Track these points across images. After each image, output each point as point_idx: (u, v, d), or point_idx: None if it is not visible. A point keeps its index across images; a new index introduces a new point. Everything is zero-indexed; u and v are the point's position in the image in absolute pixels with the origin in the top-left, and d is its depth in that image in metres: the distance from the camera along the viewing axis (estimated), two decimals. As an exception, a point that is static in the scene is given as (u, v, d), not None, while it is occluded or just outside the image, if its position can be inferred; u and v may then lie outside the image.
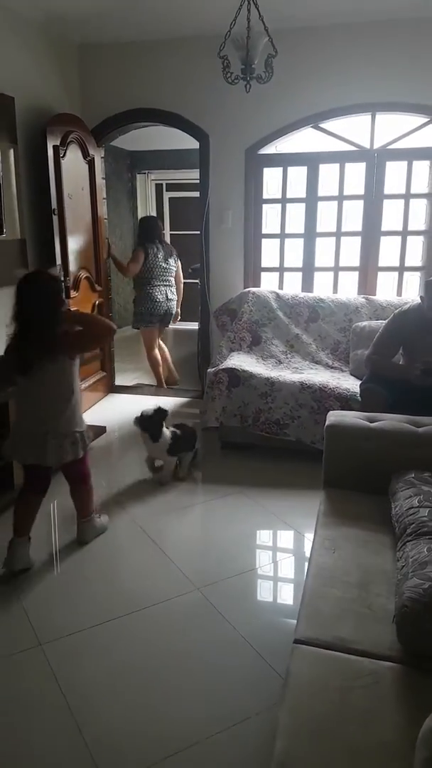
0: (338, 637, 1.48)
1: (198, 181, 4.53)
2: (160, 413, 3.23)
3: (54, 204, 3.87)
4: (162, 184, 8.25)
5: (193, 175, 7.48)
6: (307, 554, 2.60)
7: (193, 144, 4.52)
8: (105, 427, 4.01)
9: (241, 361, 3.81)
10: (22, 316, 2.34)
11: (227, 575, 2.45)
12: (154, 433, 3.20)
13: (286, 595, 2.48)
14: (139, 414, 3.23)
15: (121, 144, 6.94)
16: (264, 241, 4.54)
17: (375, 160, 4.17)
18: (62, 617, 2.19)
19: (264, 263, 4.58)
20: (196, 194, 4.64)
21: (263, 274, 4.59)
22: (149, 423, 3.20)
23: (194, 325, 6.10)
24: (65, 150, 3.95)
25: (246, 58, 2.62)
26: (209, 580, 2.40)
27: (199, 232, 4.56)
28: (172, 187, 8.20)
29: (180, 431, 3.33)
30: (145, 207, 8.09)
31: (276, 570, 2.60)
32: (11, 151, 3.54)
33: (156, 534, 2.77)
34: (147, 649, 2.04)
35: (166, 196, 8.28)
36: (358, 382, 3.44)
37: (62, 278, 3.99)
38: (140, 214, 7.85)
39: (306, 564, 2.53)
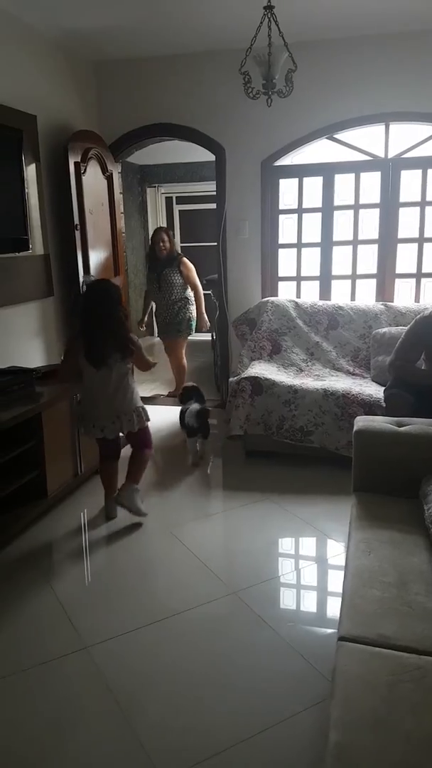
0: (382, 635, 1.51)
1: (209, 193, 4.63)
2: (205, 413, 3.78)
3: (76, 219, 3.95)
4: (172, 197, 8.37)
5: (203, 188, 7.63)
6: (338, 558, 2.67)
7: (203, 157, 4.60)
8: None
9: (262, 369, 3.85)
10: (94, 317, 2.76)
11: (262, 579, 2.49)
12: (205, 433, 3.79)
13: (322, 598, 2.51)
14: (187, 417, 3.71)
15: (132, 158, 7.05)
16: (281, 250, 4.60)
17: (390, 169, 4.23)
18: (104, 621, 2.24)
19: (281, 272, 4.64)
20: (207, 206, 4.76)
21: (281, 284, 4.65)
22: (200, 424, 3.72)
23: (207, 336, 6.18)
24: (86, 166, 4.04)
25: (267, 74, 2.68)
26: (245, 584, 2.44)
27: (214, 244, 4.63)
28: (182, 200, 8.32)
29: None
30: (156, 220, 8.20)
31: (309, 574, 2.63)
32: (35, 168, 3.64)
33: (188, 540, 2.82)
34: (190, 650, 2.08)
35: (177, 208, 8.39)
36: (381, 388, 3.48)
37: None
38: (151, 227, 7.97)
39: (339, 567, 2.61)
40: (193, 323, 5.08)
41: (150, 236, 4.87)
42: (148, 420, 3.00)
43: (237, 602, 2.33)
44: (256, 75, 2.77)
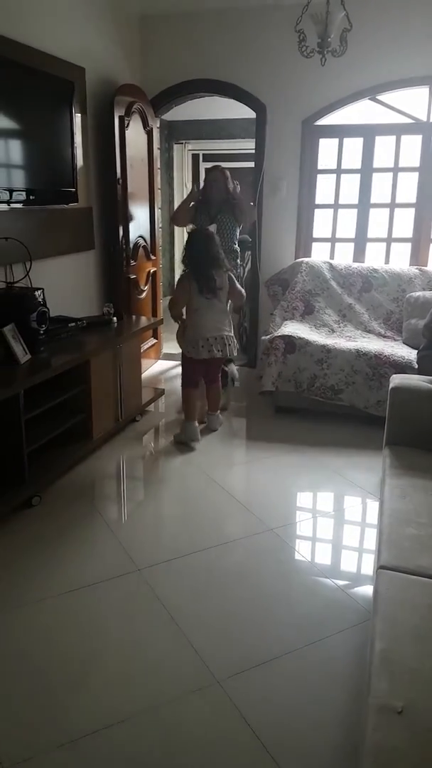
0: (419, 566, 1.66)
1: (237, 152, 4.60)
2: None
3: (118, 173, 4.02)
4: (198, 155, 8.29)
5: (231, 146, 7.55)
6: (367, 503, 2.83)
7: (233, 114, 4.57)
8: (163, 389, 4.21)
9: (295, 329, 3.95)
10: (207, 257, 3.31)
11: (296, 519, 2.70)
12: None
13: (353, 536, 2.73)
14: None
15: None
16: (317, 211, 4.63)
17: (431, 132, 4.22)
18: (153, 547, 2.46)
19: (316, 233, 4.68)
20: (235, 164, 4.69)
21: (315, 245, 4.70)
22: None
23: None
24: (129, 120, 4.08)
25: (324, 33, 2.70)
26: (281, 523, 2.64)
27: (251, 204, 4.65)
28: (208, 157, 8.24)
29: None
30: (181, 177, 8.16)
31: (339, 515, 2.83)
32: (81, 121, 3.69)
33: (225, 483, 3.01)
34: (234, 576, 2.29)
35: (203, 166, 8.33)
36: (413, 351, 3.57)
37: (123, 246, 4.18)
38: (176, 185, 7.93)
39: (368, 512, 2.79)
40: None
41: (204, 178, 4.22)
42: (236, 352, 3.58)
43: (274, 537, 2.53)
44: (312, 33, 2.79)
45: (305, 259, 4.45)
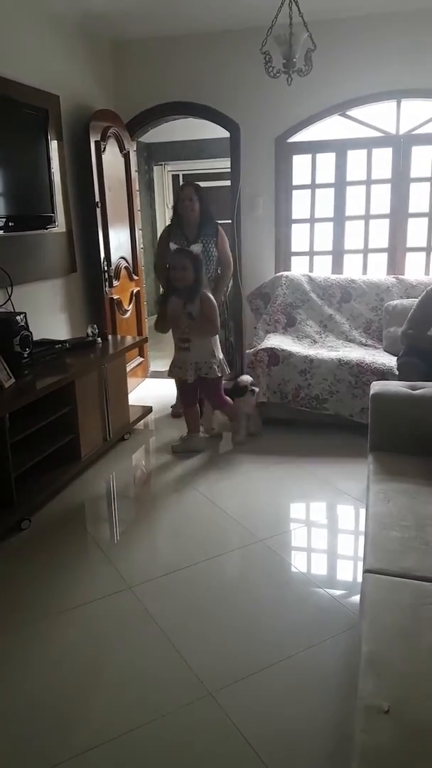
0: (403, 567, 1.69)
1: (216, 171, 4.69)
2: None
3: (97, 197, 4.08)
4: (179, 175, 8.41)
5: (210, 165, 7.67)
6: (356, 510, 2.87)
7: (211, 134, 4.66)
8: (151, 407, 4.23)
9: (278, 341, 4.00)
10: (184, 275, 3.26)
11: (284, 529, 2.72)
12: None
13: (341, 544, 2.75)
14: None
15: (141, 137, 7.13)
16: (294, 225, 4.72)
17: (401, 145, 4.32)
18: (145, 565, 2.47)
19: (294, 247, 4.76)
20: (214, 183, 4.77)
21: (294, 258, 4.77)
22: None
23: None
24: (105, 145, 4.16)
25: (288, 53, 2.79)
26: (270, 533, 2.66)
27: (225, 221, 4.71)
28: (188, 177, 8.35)
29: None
30: (162, 198, 8.27)
31: (327, 523, 2.87)
32: (57, 147, 3.76)
33: (214, 496, 3.03)
34: (223, 588, 2.31)
35: (182, 187, 8.43)
36: (393, 358, 3.63)
37: (105, 268, 4.23)
38: (157, 206, 8.03)
39: (355, 518, 2.81)
40: None
41: (173, 202, 4.20)
42: (222, 374, 3.51)
43: (264, 548, 2.55)
44: (277, 54, 2.87)
45: (285, 273, 4.52)
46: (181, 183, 8.28)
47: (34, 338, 3.18)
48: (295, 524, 2.84)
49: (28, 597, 2.26)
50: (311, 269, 4.75)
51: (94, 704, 1.77)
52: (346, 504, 2.97)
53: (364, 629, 1.47)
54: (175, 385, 3.89)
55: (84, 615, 2.16)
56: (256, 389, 3.68)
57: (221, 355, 3.52)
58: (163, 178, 8.33)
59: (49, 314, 3.74)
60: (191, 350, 3.37)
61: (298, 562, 2.48)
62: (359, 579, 2.32)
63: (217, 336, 3.49)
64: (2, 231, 3.16)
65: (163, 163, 8.20)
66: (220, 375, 3.46)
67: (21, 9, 3.39)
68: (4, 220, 3.12)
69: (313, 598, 2.24)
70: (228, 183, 4.80)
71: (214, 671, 1.86)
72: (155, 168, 8.18)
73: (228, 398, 3.59)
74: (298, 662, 1.90)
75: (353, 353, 3.86)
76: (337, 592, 2.26)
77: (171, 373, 3.56)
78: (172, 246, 3.37)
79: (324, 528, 2.84)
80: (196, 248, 3.33)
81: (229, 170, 4.74)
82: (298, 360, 3.76)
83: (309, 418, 3.81)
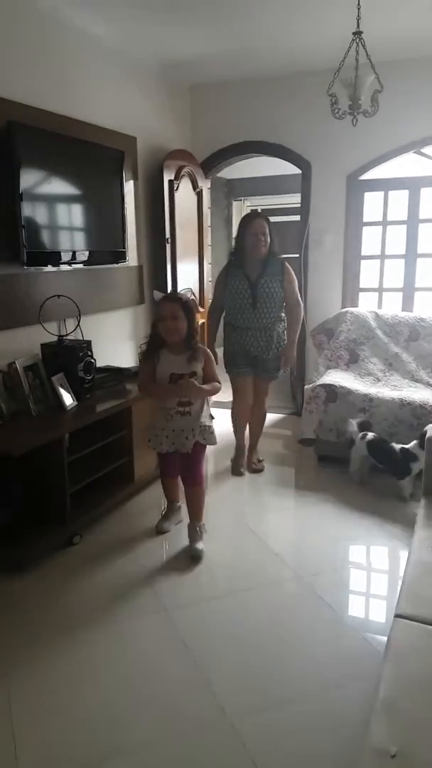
0: (436, 616, 1.63)
1: (292, 206, 4.76)
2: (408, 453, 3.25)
3: (168, 233, 4.27)
4: (257, 210, 8.60)
5: (286, 200, 7.78)
6: (400, 555, 2.76)
7: (287, 170, 4.77)
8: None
9: (338, 377, 3.97)
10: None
11: (327, 568, 2.66)
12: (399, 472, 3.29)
13: (381, 588, 2.68)
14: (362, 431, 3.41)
15: (220, 174, 7.38)
16: (363, 262, 4.70)
17: None
18: (183, 590, 2.51)
19: (363, 284, 4.73)
20: (290, 218, 4.84)
21: (362, 295, 4.75)
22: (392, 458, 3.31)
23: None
24: (178, 183, 4.36)
25: (354, 95, 2.85)
26: (312, 572, 2.63)
27: (295, 255, 4.78)
28: (266, 212, 8.52)
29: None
30: (242, 232, 8.44)
31: (371, 567, 2.82)
32: (133, 185, 3.99)
33: (260, 530, 3.03)
34: (259, 620, 2.31)
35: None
36: (458, 399, 3.50)
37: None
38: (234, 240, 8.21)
39: (400, 561, 2.72)
40: None
41: (235, 235, 3.56)
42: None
43: (304, 585, 2.53)
44: (343, 96, 2.94)
45: (350, 309, 4.49)
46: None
47: (98, 365, 3.35)
48: (337, 564, 2.75)
49: (67, 608, 2.37)
50: (380, 306, 4.70)
51: (120, 717, 1.81)
52: (395, 548, 2.86)
53: (385, 673, 1.43)
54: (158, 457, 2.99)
55: (116, 629, 2.24)
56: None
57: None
58: (242, 212, 8.54)
59: (114, 343, 3.91)
60: (193, 415, 2.71)
61: (335, 602, 2.42)
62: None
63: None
64: (83, 265, 3.41)
65: (242, 198, 8.44)
66: (211, 443, 2.80)
67: (103, 58, 3.66)
68: (86, 254, 3.36)
69: (346, 640, 2.19)
70: (296, 218, 4.88)
71: (238, 702, 1.87)
72: (234, 203, 8.43)
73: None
74: (321, 701, 1.88)
75: (417, 394, 3.76)
76: (371, 637, 2.19)
77: (153, 444, 2.79)
78: (157, 295, 2.73)
79: (366, 570, 2.78)
80: (185, 292, 2.77)
81: (298, 205, 4.82)
82: (356, 398, 3.70)
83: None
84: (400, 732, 1.23)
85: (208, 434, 2.76)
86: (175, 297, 2.76)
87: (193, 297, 2.70)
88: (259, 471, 3.79)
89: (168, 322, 2.62)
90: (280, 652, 2.12)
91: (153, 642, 2.18)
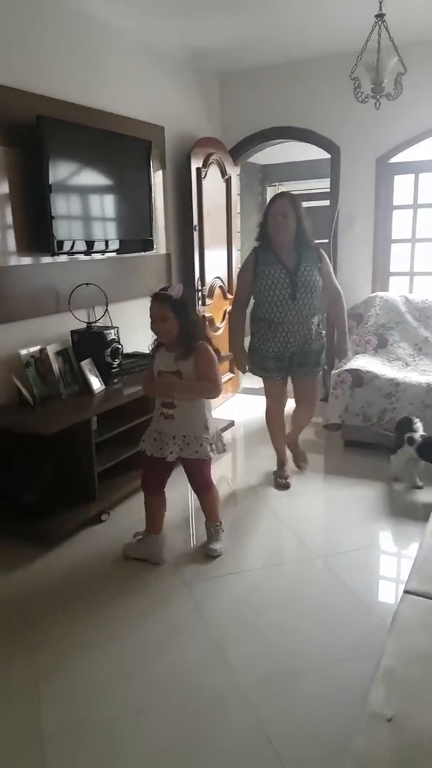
0: (442, 593, 1.66)
1: (325, 191, 4.74)
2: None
3: (195, 221, 4.32)
4: (284, 191, 8.53)
5: (320, 185, 7.72)
6: (416, 538, 2.79)
7: (321, 154, 4.76)
8: (233, 421, 4.36)
9: (365, 362, 3.97)
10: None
11: (346, 549, 2.72)
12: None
13: (397, 568, 2.72)
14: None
15: (254, 159, 7.36)
16: (393, 246, 4.66)
17: None
18: (205, 565, 2.60)
19: (393, 268, 4.69)
20: (323, 203, 4.82)
21: (392, 279, 4.71)
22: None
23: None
24: (206, 171, 4.40)
25: (376, 79, 2.84)
26: (331, 551, 2.70)
27: (325, 241, 4.77)
28: (300, 197, 8.45)
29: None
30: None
31: (396, 547, 2.87)
32: (161, 175, 4.05)
33: (283, 511, 3.10)
34: (277, 595, 2.41)
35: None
36: None
37: (199, 287, 4.45)
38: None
39: (416, 543, 2.74)
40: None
41: (261, 220, 3.15)
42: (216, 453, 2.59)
43: (323, 566, 2.60)
44: (366, 80, 2.93)
45: (380, 293, 4.47)
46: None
47: (125, 351, 3.45)
48: (357, 545, 2.78)
49: (94, 581, 2.50)
50: (411, 290, 4.65)
51: (137, 689, 1.93)
52: (418, 531, 2.88)
53: (388, 645, 1.48)
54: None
55: (138, 603, 2.35)
56: None
57: (216, 427, 2.62)
58: (278, 198, 8.52)
59: (141, 329, 3.98)
60: (176, 419, 2.51)
61: (353, 582, 2.47)
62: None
63: (208, 401, 2.58)
64: (111, 254, 3.51)
65: (276, 183, 8.40)
66: (211, 455, 2.56)
67: (130, 50, 3.72)
68: (115, 242, 3.46)
69: (361, 617, 2.25)
70: (326, 203, 4.86)
71: (253, 672, 1.96)
72: (269, 189, 8.41)
73: (213, 483, 2.71)
74: (331, 674, 1.95)
75: (445, 378, 3.73)
76: (386, 616, 2.22)
77: (143, 446, 2.63)
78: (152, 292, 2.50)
79: (387, 552, 2.81)
80: (176, 289, 2.46)
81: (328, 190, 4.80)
82: (383, 383, 3.71)
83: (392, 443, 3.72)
84: (397, 699, 1.29)
85: (197, 447, 2.49)
86: (163, 297, 2.44)
87: (183, 290, 2.49)
88: (300, 468, 3.55)
89: (156, 324, 2.46)
90: (296, 626, 2.20)
91: (173, 613, 2.29)
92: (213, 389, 2.49)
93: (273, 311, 3.09)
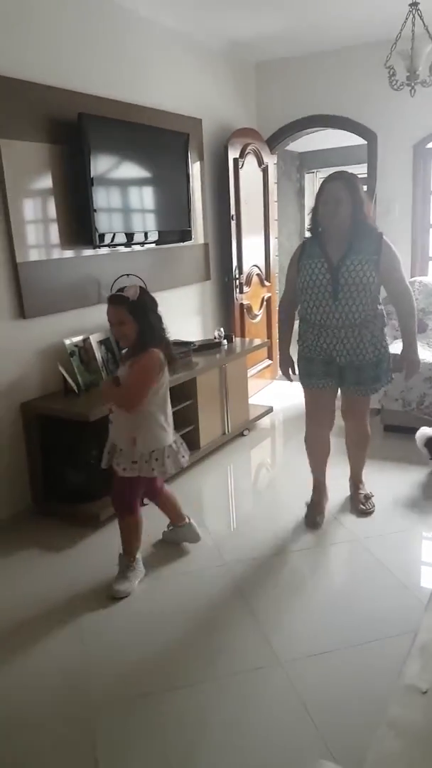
0: None
1: (363, 176, 4.71)
2: None
3: (232, 210, 4.38)
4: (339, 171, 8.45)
5: (358, 170, 7.63)
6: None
7: (358, 140, 4.73)
8: (272, 407, 4.42)
9: (404, 348, 3.95)
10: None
11: (387, 531, 2.77)
12: None
13: None
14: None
15: (291, 147, 7.34)
16: (432, 231, 4.62)
17: None
18: (244, 545, 2.67)
19: None
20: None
21: (431, 263, 4.66)
22: None
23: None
24: (243, 161, 4.44)
25: (411, 67, 2.82)
26: (371, 534, 2.76)
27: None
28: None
29: None
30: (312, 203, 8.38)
31: (429, 530, 2.86)
32: (199, 166, 4.12)
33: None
34: (318, 575, 2.51)
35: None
36: None
37: (236, 275, 4.51)
38: (307, 211, 8.17)
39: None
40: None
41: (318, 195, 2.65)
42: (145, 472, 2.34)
43: (361, 547, 2.67)
44: (401, 68, 2.92)
45: (418, 278, 4.44)
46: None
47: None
48: (396, 528, 2.83)
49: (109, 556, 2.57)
50: (450, 275, 4.61)
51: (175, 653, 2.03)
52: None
53: (425, 620, 1.53)
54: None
55: (175, 582, 2.47)
56: None
57: (163, 445, 2.34)
58: (315, 184, 8.46)
59: (182, 318, 4.10)
60: (115, 426, 2.35)
61: (390, 563, 2.52)
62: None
63: (155, 414, 2.32)
64: (151, 245, 3.60)
65: (314, 170, 8.36)
66: (126, 475, 2.31)
67: (167, 44, 3.79)
68: (155, 234, 3.55)
69: (398, 596, 2.30)
70: (363, 188, 4.82)
71: (291, 648, 2.04)
72: (307, 176, 8.37)
73: (136, 510, 2.43)
74: (368, 651, 2.02)
75: None
76: (424, 596, 2.27)
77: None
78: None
79: (426, 537, 2.82)
80: (131, 290, 2.23)
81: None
82: (423, 367, 3.68)
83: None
84: None
85: (120, 459, 2.29)
86: (118, 299, 2.22)
87: (142, 287, 2.31)
88: (368, 513, 2.92)
89: (114, 328, 2.29)
90: (339, 603, 2.28)
91: (213, 589, 2.39)
92: (126, 399, 2.23)
93: (313, 312, 2.62)
